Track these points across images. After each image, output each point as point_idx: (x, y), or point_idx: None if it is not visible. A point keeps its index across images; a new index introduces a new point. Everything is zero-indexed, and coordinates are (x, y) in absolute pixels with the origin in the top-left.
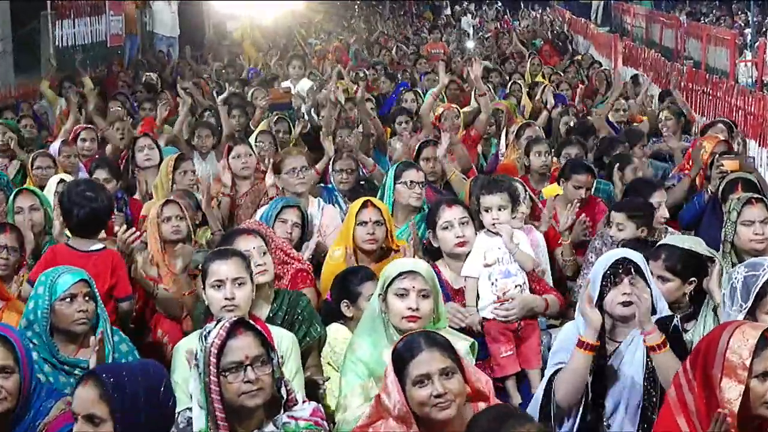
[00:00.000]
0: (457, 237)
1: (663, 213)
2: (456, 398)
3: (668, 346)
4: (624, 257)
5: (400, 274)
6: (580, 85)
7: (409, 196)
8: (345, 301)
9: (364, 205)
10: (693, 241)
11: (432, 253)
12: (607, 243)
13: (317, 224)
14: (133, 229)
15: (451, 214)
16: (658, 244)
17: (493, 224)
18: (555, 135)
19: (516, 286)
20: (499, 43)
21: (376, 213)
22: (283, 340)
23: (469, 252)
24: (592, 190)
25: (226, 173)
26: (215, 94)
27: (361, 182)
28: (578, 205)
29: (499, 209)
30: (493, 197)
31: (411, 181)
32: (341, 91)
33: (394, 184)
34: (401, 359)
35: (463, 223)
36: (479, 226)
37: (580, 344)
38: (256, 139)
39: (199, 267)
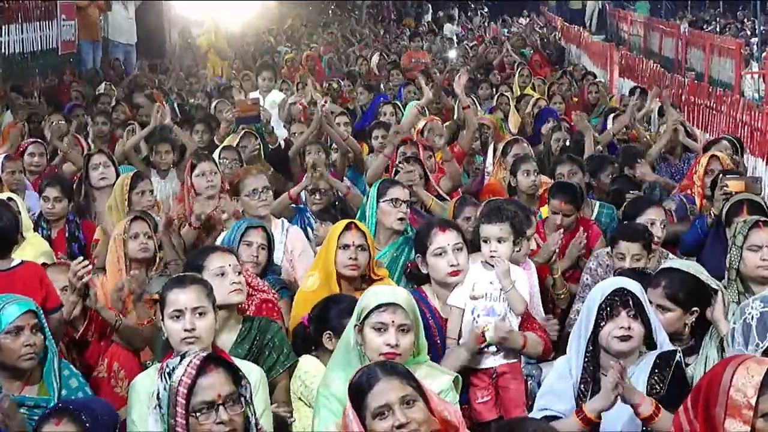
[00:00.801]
0: (451, 265)
1: (656, 232)
2: (420, 427)
3: (662, 410)
4: (622, 287)
5: (378, 306)
6: (574, 99)
7: (395, 216)
8: (327, 332)
9: (347, 228)
10: (695, 268)
11: (418, 278)
12: (603, 264)
13: (281, 248)
14: (86, 262)
15: (444, 239)
16: (658, 269)
17: (492, 257)
18: (546, 153)
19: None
20: (485, 52)
21: (359, 237)
22: (251, 375)
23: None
24: (582, 213)
25: (201, 203)
26: (176, 108)
27: (336, 203)
28: (561, 233)
29: (499, 241)
30: (493, 227)
31: (396, 199)
32: (313, 104)
33: (377, 202)
34: (359, 391)
35: (457, 250)
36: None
37: (580, 414)
38: (219, 155)
39: (159, 293)
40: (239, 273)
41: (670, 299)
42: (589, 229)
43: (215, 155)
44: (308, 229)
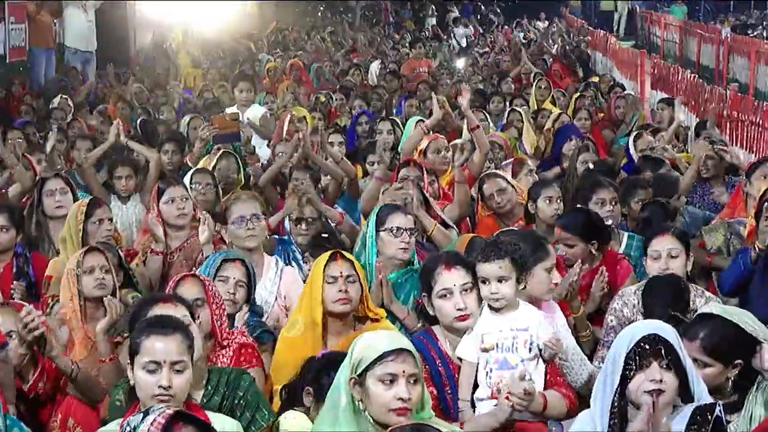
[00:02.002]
0: (458, 309)
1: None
2: None
3: None
4: (653, 333)
5: (384, 354)
6: (599, 114)
7: (397, 246)
8: (308, 387)
9: (332, 258)
10: (738, 315)
11: (428, 316)
12: (629, 304)
13: (273, 290)
14: (39, 313)
15: (450, 278)
16: (696, 315)
17: (493, 299)
18: (569, 177)
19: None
20: (497, 61)
21: (348, 267)
22: (225, 427)
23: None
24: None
25: (156, 224)
26: (137, 126)
27: (324, 234)
28: (579, 268)
29: (500, 281)
30: (491, 266)
31: (397, 228)
32: (298, 120)
33: (377, 231)
34: None
35: (465, 291)
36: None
37: None
38: (191, 179)
39: (123, 334)
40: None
41: (709, 354)
42: (617, 265)
43: (186, 179)
44: (293, 264)
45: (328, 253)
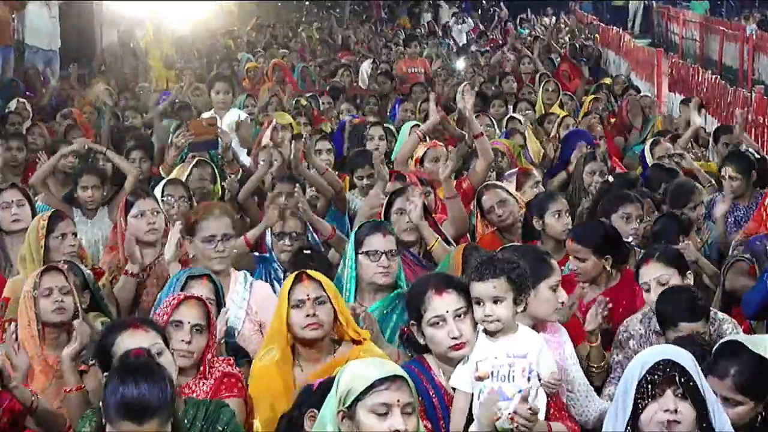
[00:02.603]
0: (452, 338)
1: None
2: None
3: None
4: (667, 359)
5: (377, 383)
6: (611, 119)
7: (374, 271)
8: (313, 410)
9: (297, 280)
10: (765, 345)
11: (418, 344)
12: (635, 335)
13: (243, 306)
14: None
15: (442, 304)
16: (717, 347)
17: (487, 321)
18: (576, 188)
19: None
20: (500, 61)
21: (315, 288)
22: None
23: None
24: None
25: (134, 244)
26: (100, 134)
27: (307, 251)
28: (586, 287)
29: (495, 302)
30: (485, 285)
31: (375, 252)
32: (281, 128)
33: (356, 254)
34: None
35: (459, 316)
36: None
37: None
38: (163, 191)
39: (89, 362)
40: (159, 354)
41: (742, 392)
42: (635, 287)
43: (157, 191)
44: (275, 284)
45: (293, 275)
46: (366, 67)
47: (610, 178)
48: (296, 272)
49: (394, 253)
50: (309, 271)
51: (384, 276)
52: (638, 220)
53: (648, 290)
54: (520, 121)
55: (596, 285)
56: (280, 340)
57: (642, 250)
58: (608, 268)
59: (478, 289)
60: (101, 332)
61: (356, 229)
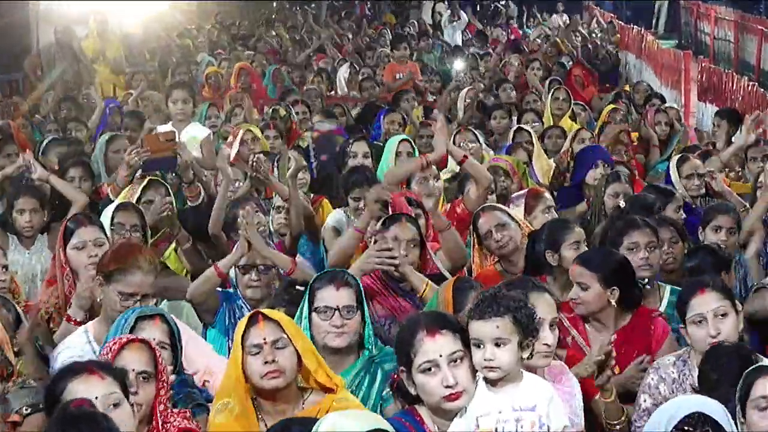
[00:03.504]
0: (446, 386)
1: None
2: None
3: None
4: (698, 412)
5: None
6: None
7: (325, 330)
8: None
9: (251, 321)
10: None
11: (406, 395)
12: (668, 379)
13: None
14: None
15: (434, 347)
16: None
17: (488, 368)
18: (594, 213)
19: None
20: (502, 65)
21: (273, 330)
22: None
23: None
24: (646, 302)
25: (85, 282)
26: (38, 148)
27: (300, 287)
28: (612, 338)
29: (497, 344)
30: (486, 326)
31: (326, 308)
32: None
33: (309, 311)
34: None
35: (454, 362)
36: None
37: None
38: (113, 218)
39: (23, 411)
40: (118, 404)
41: None
42: (650, 324)
43: (105, 217)
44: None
45: (246, 316)
46: (343, 72)
47: (621, 203)
48: (251, 313)
49: (352, 310)
50: (265, 311)
51: (337, 337)
52: (649, 250)
53: (700, 322)
54: (529, 133)
55: (604, 326)
56: (238, 392)
57: (664, 285)
58: (613, 303)
59: (479, 329)
60: (50, 379)
61: (313, 279)
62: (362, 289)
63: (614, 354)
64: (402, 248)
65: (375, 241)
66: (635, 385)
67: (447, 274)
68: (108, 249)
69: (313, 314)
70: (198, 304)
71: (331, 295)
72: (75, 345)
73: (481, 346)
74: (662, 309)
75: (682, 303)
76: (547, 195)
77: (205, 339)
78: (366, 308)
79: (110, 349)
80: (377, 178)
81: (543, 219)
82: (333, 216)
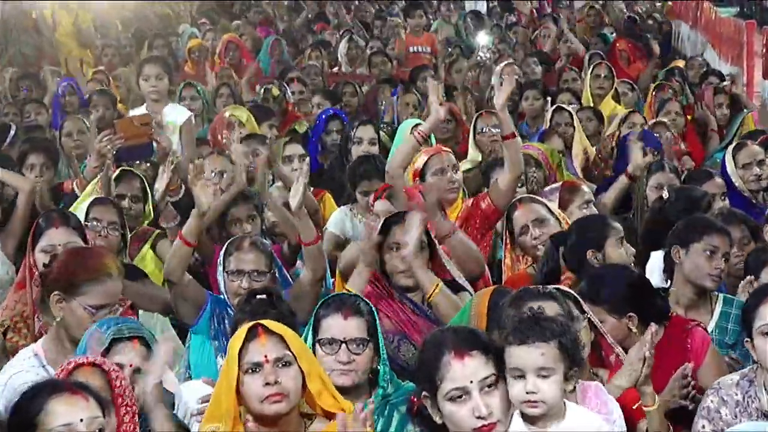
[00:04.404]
0: (478, 417)
1: None
2: None
3: None
4: None
5: None
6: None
7: (330, 368)
8: None
9: (251, 335)
10: None
11: (430, 423)
12: (730, 401)
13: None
14: None
15: (464, 371)
16: None
17: (530, 402)
18: (638, 206)
19: None
20: (535, 37)
21: (275, 344)
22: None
23: None
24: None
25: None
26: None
27: (261, 295)
28: (650, 340)
29: (541, 375)
30: (529, 352)
31: (331, 340)
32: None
33: (313, 342)
34: None
35: (487, 388)
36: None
37: None
38: (87, 214)
39: None
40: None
41: None
42: (686, 337)
43: (79, 212)
44: (229, 331)
45: (244, 328)
46: (343, 47)
47: (665, 194)
48: (249, 325)
49: (362, 343)
50: (266, 322)
51: (342, 375)
52: (725, 258)
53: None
54: (570, 114)
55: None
56: (228, 417)
57: (717, 293)
58: (634, 330)
59: (520, 357)
60: (23, 394)
61: (317, 308)
62: (377, 317)
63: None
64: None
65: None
66: (677, 403)
67: (462, 280)
68: (59, 258)
69: (317, 346)
70: (177, 285)
71: (337, 326)
72: (26, 369)
73: (523, 376)
74: (714, 321)
75: (748, 312)
76: (585, 188)
77: (189, 347)
78: (381, 339)
79: (63, 369)
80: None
81: (579, 214)
82: (334, 218)
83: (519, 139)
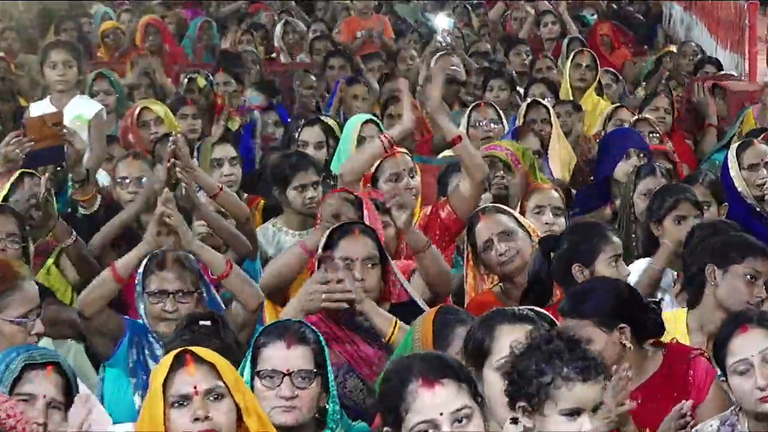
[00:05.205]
0: None
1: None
2: None
3: None
4: None
5: None
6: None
7: (271, 405)
8: None
9: (178, 363)
10: None
11: None
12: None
13: None
14: None
15: (433, 402)
16: None
17: None
18: (625, 216)
19: None
20: (505, 19)
21: (206, 373)
22: None
23: None
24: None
25: None
26: None
27: (204, 321)
28: (626, 371)
29: (594, 411)
30: (591, 390)
31: (272, 372)
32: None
33: (252, 374)
34: None
35: (459, 422)
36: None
37: None
38: None
39: None
40: None
41: None
42: (687, 367)
43: None
44: (150, 365)
45: (170, 356)
46: (278, 31)
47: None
48: (176, 352)
49: (308, 376)
50: (196, 349)
51: (285, 412)
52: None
53: (744, 372)
54: (547, 109)
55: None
56: None
57: None
58: (628, 344)
59: (582, 395)
60: None
61: (256, 335)
62: (325, 346)
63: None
64: (356, 271)
65: (319, 266)
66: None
67: (421, 302)
68: None
69: (256, 379)
70: (90, 320)
71: (279, 355)
72: None
73: (576, 416)
74: None
75: (718, 347)
76: (553, 192)
77: (103, 381)
78: (330, 373)
79: None
80: (331, 173)
81: (536, 224)
82: (258, 234)
83: (467, 141)
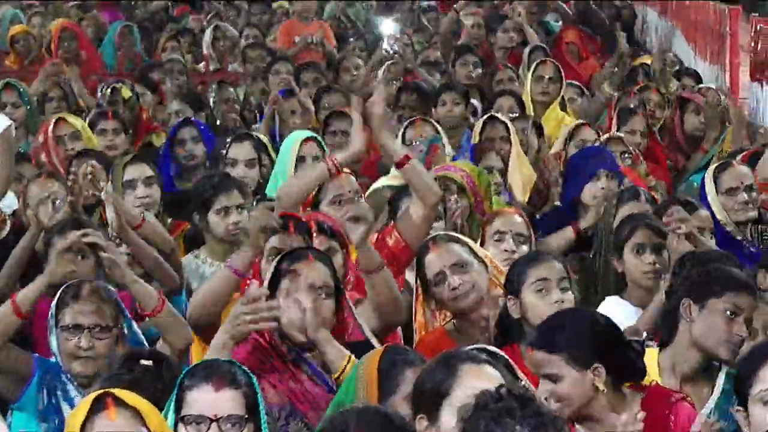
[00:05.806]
0: None
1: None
2: None
3: None
4: None
5: None
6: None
7: None
8: None
9: (98, 407)
10: None
11: None
12: None
13: None
14: None
15: None
16: None
17: None
18: (603, 244)
19: None
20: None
21: (128, 421)
22: None
23: None
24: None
25: None
26: None
27: (146, 361)
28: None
29: None
30: None
31: (200, 417)
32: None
33: (176, 420)
34: None
35: None
36: None
37: None
38: None
39: None
40: None
41: None
42: (669, 412)
43: None
44: (64, 410)
45: (89, 398)
46: (207, 37)
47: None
48: (96, 394)
49: (239, 422)
50: (118, 392)
51: None
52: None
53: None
54: (506, 126)
55: (597, 424)
56: None
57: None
58: (601, 387)
59: None
60: None
61: (181, 376)
62: (258, 389)
63: None
64: (308, 301)
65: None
66: None
67: (375, 342)
68: None
69: (180, 425)
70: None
71: (206, 399)
72: None
73: None
74: (713, 400)
75: (744, 375)
76: (516, 217)
77: (9, 427)
78: (263, 418)
79: None
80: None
81: (496, 253)
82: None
83: (416, 162)
